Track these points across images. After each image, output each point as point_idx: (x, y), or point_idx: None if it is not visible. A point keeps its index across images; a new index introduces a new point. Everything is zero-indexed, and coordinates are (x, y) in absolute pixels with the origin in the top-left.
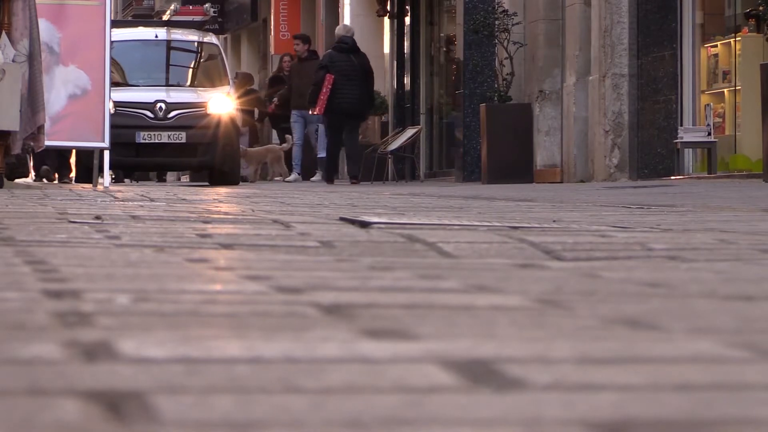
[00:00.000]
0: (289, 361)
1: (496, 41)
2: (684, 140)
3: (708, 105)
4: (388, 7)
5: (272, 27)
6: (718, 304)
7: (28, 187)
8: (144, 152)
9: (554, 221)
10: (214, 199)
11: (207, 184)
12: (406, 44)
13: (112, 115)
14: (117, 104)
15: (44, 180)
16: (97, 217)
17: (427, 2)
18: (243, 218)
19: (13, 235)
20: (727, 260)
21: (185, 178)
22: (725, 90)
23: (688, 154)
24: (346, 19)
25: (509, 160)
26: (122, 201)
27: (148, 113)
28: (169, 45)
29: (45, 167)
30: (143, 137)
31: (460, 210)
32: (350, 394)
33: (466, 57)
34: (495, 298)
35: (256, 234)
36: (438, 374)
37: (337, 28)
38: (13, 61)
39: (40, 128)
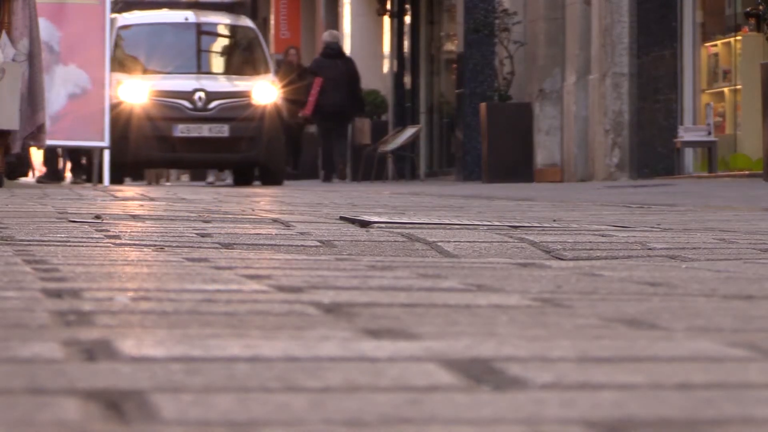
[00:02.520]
0: (289, 360)
1: (497, 40)
2: (684, 139)
3: (708, 104)
4: (388, 6)
5: (272, 26)
6: (718, 304)
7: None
8: (181, 147)
9: (554, 220)
10: (214, 199)
11: (242, 183)
12: (406, 43)
13: (146, 106)
14: (154, 94)
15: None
16: (97, 217)
17: (427, 1)
18: (243, 217)
19: (13, 234)
20: (728, 259)
21: (208, 178)
22: (725, 89)
23: (689, 153)
24: (346, 18)
25: (509, 159)
26: (122, 200)
27: (186, 103)
28: (199, 28)
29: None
30: (181, 130)
31: (460, 209)
32: (350, 393)
33: (466, 56)
34: (495, 297)
35: (256, 233)
36: (438, 373)
37: (324, 34)
38: (13, 60)
39: (41, 127)
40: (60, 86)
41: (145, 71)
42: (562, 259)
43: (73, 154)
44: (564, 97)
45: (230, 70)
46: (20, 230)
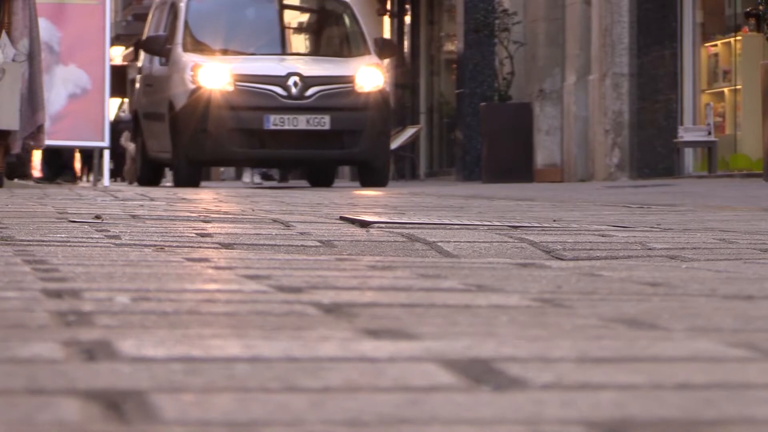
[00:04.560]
0: (289, 361)
1: (497, 40)
2: (684, 139)
3: (708, 104)
4: (388, 6)
5: None
6: (718, 304)
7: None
8: (273, 142)
9: (554, 220)
10: (214, 198)
11: (320, 184)
12: (406, 43)
13: (229, 93)
14: (238, 78)
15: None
16: (97, 217)
17: (427, 1)
18: (243, 218)
19: (13, 234)
20: (728, 259)
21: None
22: (725, 89)
23: (689, 153)
24: None
25: (509, 159)
26: (122, 200)
27: (279, 90)
28: (281, 2)
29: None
30: (274, 122)
31: (460, 209)
32: (350, 394)
33: (466, 56)
34: (495, 298)
35: (256, 233)
36: (438, 373)
37: None
38: (13, 60)
39: (41, 128)
40: (60, 86)
41: (224, 52)
42: (562, 259)
43: (59, 154)
44: (564, 97)
45: (322, 50)
46: (20, 230)
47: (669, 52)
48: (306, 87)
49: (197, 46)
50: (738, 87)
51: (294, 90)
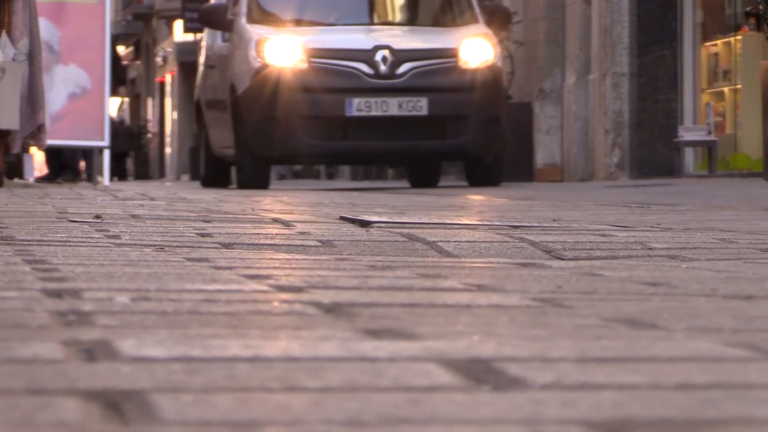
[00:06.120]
0: (289, 360)
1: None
2: (684, 139)
3: (708, 104)
4: None
5: None
6: (718, 304)
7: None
8: (357, 132)
9: (554, 220)
10: (214, 198)
11: (422, 185)
12: None
13: (302, 72)
14: (312, 53)
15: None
16: (97, 217)
17: None
18: (243, 217)
19: (13, 234)
20: (728, 259)
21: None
22: (726, 89)
23: (689, 153)
24: None
25: (509, 159)
26: (122, 200)
27: (365, 67)
28: None
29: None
30: (358, 107)
31: (460, 209)
32: (350, 393)
33: None
34: (495, 297)
35: (256, 233)
36: (438, 373)
37: None
38: (13, 60)
39: (41, 127)
40: (60, 86)
41: (297, 23)
42: (562, 259)
43: (59, 154)
44: (564, 96)
45: (418, 18)
46: (20, 230)
47: (669, 51)
48: (398, 63)
49: (264, 16)
50: (738, 86)
51: (383, 67)
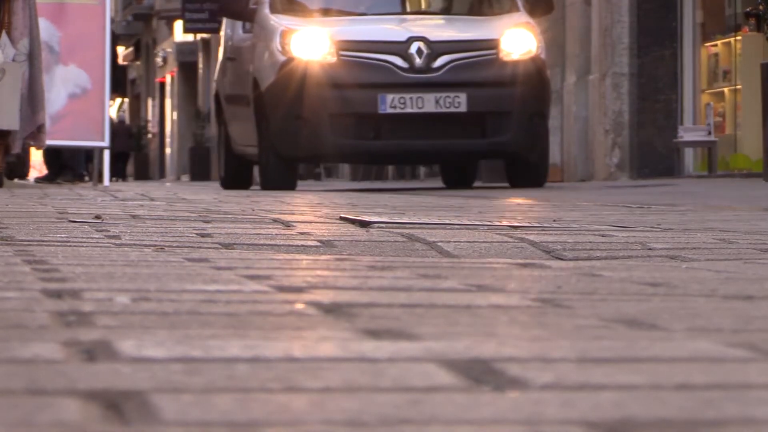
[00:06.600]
0: (289, 361)
1: None
2: (684, 139)
3: (708, 104)
4: None
5: None
6: (718, 304)
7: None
8: (390, 130)
9: (554, 220)
10: (215, 199)
11: (456, 185)
12: None
13: (331, 66)
14: (342, 46)
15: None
16: (97, 217)
17: None
18: (243, 217)
19: (13, 234)
20: (728, 259)
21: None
22: (725, 89)
23: (689, 153)
24: None
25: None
26: (122, 200)
27: (398, 60)
28: None
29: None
30: (391, 104)
31: (460, 209)
32: (350, 394)
33: None
34: (495, 298)
35: (256, 233)
36: (438, 374)
37: None
38: (13, 60)
39: (41, 127)
40: (60, 86)
41: (325, 12)
42: (562, 259)
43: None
44: (564, 97)
45: (454, 6)
46: (20, 230)
47: (669, 52)
48: (434, 56)
49: (289, 5)
50: (738, 87)
51: (418, 60)
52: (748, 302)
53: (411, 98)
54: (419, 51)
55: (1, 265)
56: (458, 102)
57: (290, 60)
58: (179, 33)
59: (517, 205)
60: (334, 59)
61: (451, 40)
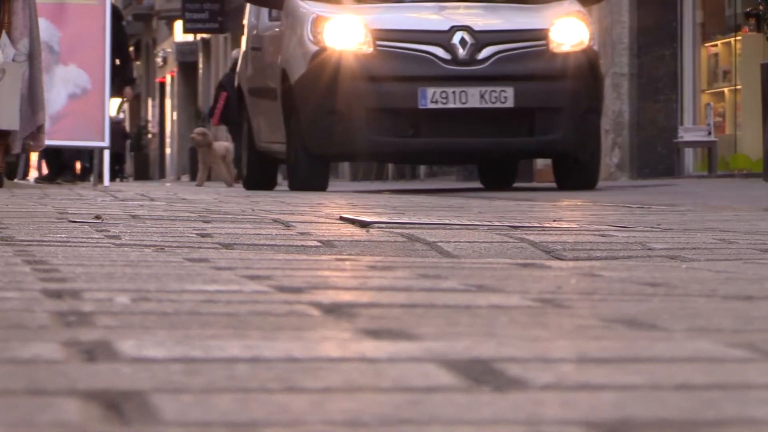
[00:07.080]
0: (289, 361)
1: None
2: (684, 139)
3: (708, 104)
4: None
5: None
6: (718, 304)
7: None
8: (431, 127)
9: (554, 220)
10: (215, 199)
11: (495, 186)
12: None
13: (366, 57)
14: (379, 35)
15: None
16: (97, 217)
17: None
18: (243, 218)
19: (13, 234)
20: (728, 260)
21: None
22: (725, 89)
23: (689, 153)
24: None
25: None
26: (122, 200)
27: (440, 51)
28: None
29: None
30: (432, 98)
31: (460, 209)
32: (350, 394)
33: None
34: (495, 298)
35: (256, 233)
36: (438, 374)
37: (233, 52)
38: (13, 60)
39: (40, 128)
40: (60, 86)
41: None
42: (562, 259)
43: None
44: None
45: None
46: (20, 230)
47: (669, 52)
48: (479, 47)
49: None
50: (738, 87)
51: (461, 51)
52: (748, 302)
53: (454, 92)
54: (463, 41)
55: (1, 265)
56: (505, 97)
57: (323, 50)
58: (179, 33)
59: (517, 205)
60: (370, 49)
61: (497, 30)
